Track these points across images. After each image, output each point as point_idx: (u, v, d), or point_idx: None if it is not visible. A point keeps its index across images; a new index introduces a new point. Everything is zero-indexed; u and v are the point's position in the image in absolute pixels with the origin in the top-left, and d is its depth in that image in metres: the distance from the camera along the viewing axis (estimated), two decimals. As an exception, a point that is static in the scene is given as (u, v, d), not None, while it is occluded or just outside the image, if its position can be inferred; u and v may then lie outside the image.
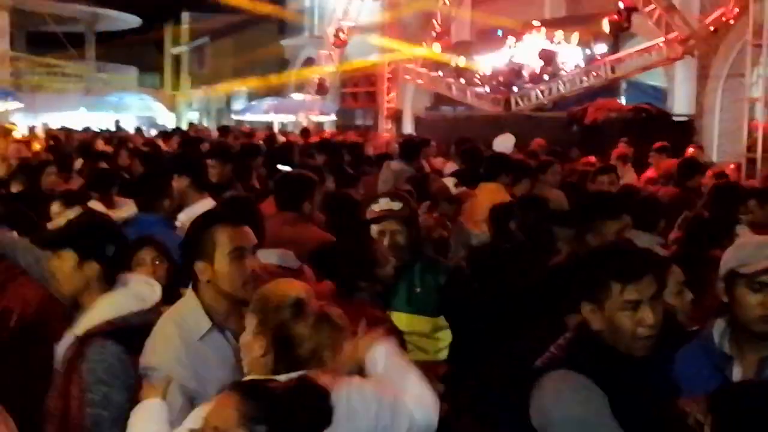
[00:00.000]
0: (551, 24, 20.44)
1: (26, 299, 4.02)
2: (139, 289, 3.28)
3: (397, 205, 4.47)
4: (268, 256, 3.95)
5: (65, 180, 8.80)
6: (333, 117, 29.01)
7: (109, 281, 3.25)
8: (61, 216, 5.26)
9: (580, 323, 2.84)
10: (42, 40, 38.31)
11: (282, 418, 2.10)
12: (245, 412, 2.09)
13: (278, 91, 32.78)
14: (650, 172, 10.45)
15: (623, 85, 20.33)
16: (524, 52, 19.90)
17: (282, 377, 2.36)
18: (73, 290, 3.25)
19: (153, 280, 3.42)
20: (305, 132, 18.32)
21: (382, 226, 4.43)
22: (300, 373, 2.41)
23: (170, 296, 3.72)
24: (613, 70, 17.80)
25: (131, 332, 3.08)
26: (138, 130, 22.12)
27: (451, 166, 10.07)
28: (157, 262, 4.39)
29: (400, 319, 4.28)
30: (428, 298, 4.38)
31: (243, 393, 2.15)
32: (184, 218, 5.50)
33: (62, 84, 37.65)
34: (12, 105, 27.88)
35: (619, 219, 4.35)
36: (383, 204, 4.49)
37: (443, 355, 4.41)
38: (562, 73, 19.03)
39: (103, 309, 3.14)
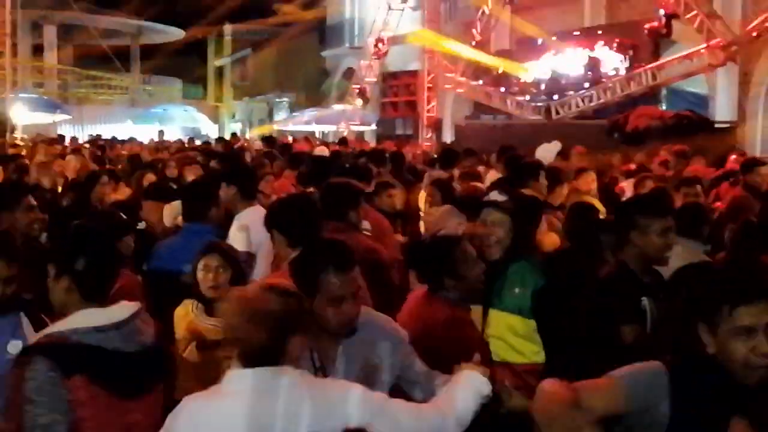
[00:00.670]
0: (591, 31, 20.42)
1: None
2: (110, 309, 3.03)
3: (502, 198, 4.56)
4: None
5: (113, 190, 9.00)
6: (373, 126, 29.17)
7: (86, 296, 3.02)
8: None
9: (686, 344, 2.71)
10: (88, 54, 38.95)
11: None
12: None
13: (319, 102, 33.05)
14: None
15: (664, 92, 20.22)
16: (564, 60, 19.91)
17: None
18: (58, 306, 3.09)
19: (129, 305, 3.12)
20: (343, 141, 18.47)
21: (485, 215, 4.53)
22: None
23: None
24: (654, 78, 17.75)
25: (65, 348, 2.85)
26: (191, 140, 22.38)
27: (492, 175, 10.11)
28: (221, 270, 4.51)
29: (498, 318, 4.39)
30: (527, 299, 4.35)
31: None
32: (235, 229, 5.64)
33: (108, 96, 38.27)
34: (60, 117, 28.37)
35: (663, 218, 4.19)
36: (491, 195, 4.59)
37: (540, 358, 4.37)
38: (603, 80, 19.00)
39: (60, 323, 2.96)
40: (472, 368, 3.14)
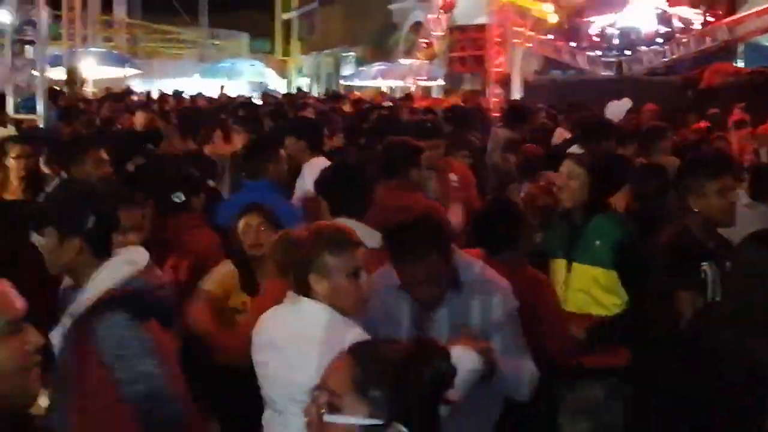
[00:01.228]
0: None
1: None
2: (128, 256, 3.09)
3: (580, 151, 4.68)
4: (364, 233, 3.82)
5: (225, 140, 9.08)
6: (441, 82, 28.89)
7: (98, 253, 3.04)
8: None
9: None
10: (157, 7, 39.22)
11: (395, 381, 1.99)
12: (358, 375, 1.99)
13: (386, 56, 32.83)
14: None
15: (741, 48, 19.60)
16: (638, 14, 19.40)
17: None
18: (61, 269, 3.11)
19: (140, 248, 3.20)
20: (408, 97, 18.32)
21: (564, 167, 4.60)
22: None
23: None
24: (730, 32, 17.17)
25: (133, 297, 2.94)
26: (265, 95, 22.43)
27: (561, 132, 9.91)
28: (263, 228, 4.49)
29: (581, 271, 4.44)
30: (608, 251, 4.39)
31: (355, 355, 2.05)
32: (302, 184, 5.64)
33: (177, 50, 38.57)
34: (129, 71, 28.70)
35: (718, 178, 4.05)
36: (572, 148, 4.62)
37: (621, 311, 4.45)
38: (677, 35, 18.48)
39: (99, 281, 2.97)
40: (462, 348, 3.00)
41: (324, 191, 4.42)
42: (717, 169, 4.13)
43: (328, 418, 1.97)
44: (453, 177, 6.29)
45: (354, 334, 2.91)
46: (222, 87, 26.25)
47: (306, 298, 3.08)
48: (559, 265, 4.53)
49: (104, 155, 5.51)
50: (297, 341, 3.02)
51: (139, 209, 4.45)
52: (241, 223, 4.53)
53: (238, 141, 8.34)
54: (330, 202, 4.30)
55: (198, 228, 5.01)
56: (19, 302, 2.08)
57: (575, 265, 4.46)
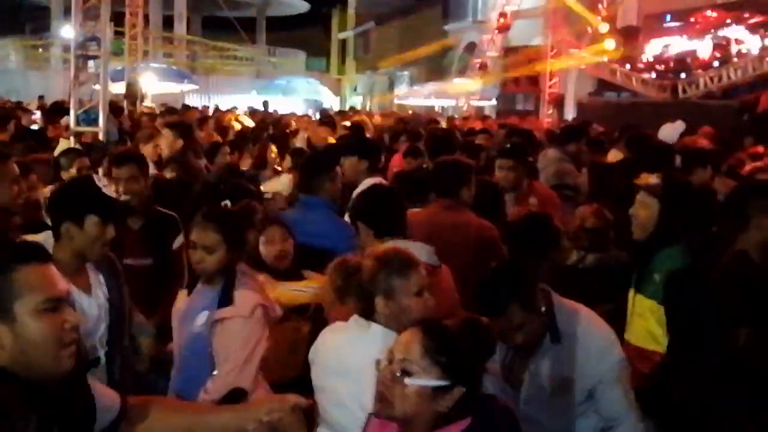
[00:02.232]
0: (723, 8, 19.68)
1: None
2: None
3: (654, 180, 4.46)
4: (419, 251, 3.87)
5: (238, 160, 9.26)
6: (494, 102, 28.93)
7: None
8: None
9: None
10: (216, 25, 39.86)
11: (457, 350, 2.48)
12: (428, 345, 2.44)
13: (440, 76, 32.96)
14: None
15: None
16: (693, 37, 19.29)
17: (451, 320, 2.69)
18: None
19: None
20: (466, 118, 18.42)
21: (639, 196, 4.46)
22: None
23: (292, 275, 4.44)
24: (789, 56, 17.02)
25: None
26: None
27: (615, 154, 9.89)
28: (285, 238, 4.71)
29: (641, 302, 4.33)
30: (662, 284, 4.20)
31: (425, 329, 2.49)
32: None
33: (234, 67, 39.11)
34: (187, 87, 29.16)
35: None
36: (643, 177, 4.56)
37: None
38: (734, 59, 18.32)
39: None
40: None
41: (363, 216, 4.39)
42: None
43: (408, 380, 2.41)
44: (533, 201, 6.23)
45: None
46: (265, 102, 26.30)
47: (375, 324, 3.19)
48: (630, 294, 4.43)
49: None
50: (372, 367, 3.00)
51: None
52: (262, 239, 4.68)
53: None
54: (372, 226, 4.29)
55: None
56: (62, 284, 2.24)
57: (637, 296, 4.35)
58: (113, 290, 3.84)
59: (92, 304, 3.70)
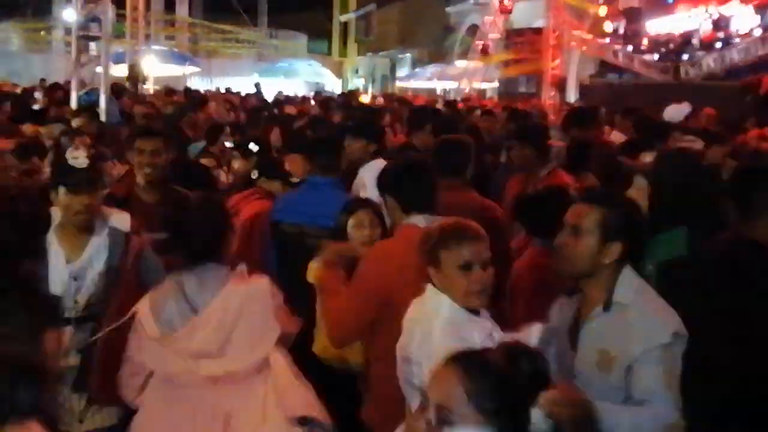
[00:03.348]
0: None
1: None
2: None
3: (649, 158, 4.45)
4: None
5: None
6: (496, 84, 28.89)
7: None
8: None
9: None
10: (218, 8, 39.71)
11: (505, 391, 2.05)
12: (470, 389, 2.03)
13: (442, 58, 32.92)
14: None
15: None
16: (696, 17, 19.23)
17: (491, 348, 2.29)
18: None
19: None
20: (467, 99, 18.39)
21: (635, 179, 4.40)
22: (506, 338, 2.57)
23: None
24: (792, 37, 16.96)
25: None
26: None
27: (616, 136, 9.90)
28: (374, 225, 4.48)
29: None
30: (652, 274, 3.93)
31: (464, 368, 2.07)
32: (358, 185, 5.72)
33: (236, 50, 39.04)
34: (189, 69, 29.16)
35: None
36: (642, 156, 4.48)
37: None
38: (736, 40, 18.26)
39: None
40: None
41: (391, 189, 4.15)
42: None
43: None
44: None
45: (479, 327, 3.11)
46: (257, 84, 26.23)
47: (431, 287, 3.25)
48: None
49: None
50: (421, 326, 3.19)
51: None
52: (352, 221, 4.46)
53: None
54: (399, 200, 4.08)
55: None
56: None
57: None
58: (114, 259, 4.05)
59: (64, 269, 3.97)
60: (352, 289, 3.93)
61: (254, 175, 5.97)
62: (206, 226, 3.59)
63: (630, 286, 3.07)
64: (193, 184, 5.31)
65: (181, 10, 35.42)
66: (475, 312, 3.18)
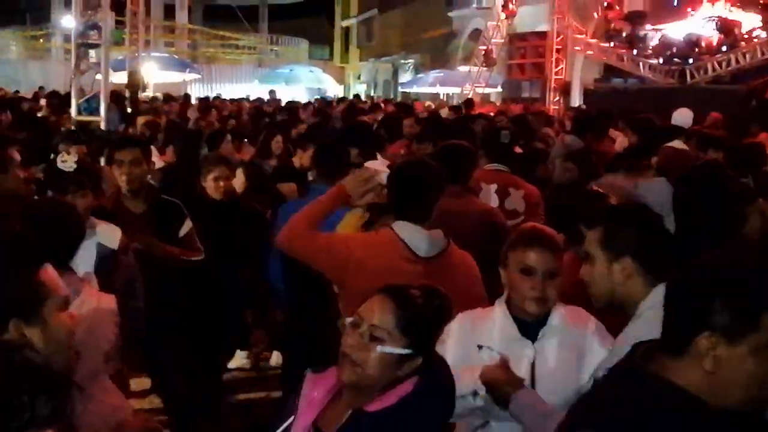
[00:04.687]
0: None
1: None
2: None
3: None
4: (417, 241, 3.87)
5: (237, 149, 9.07)
6: (499, 89, 28.73)
7: None
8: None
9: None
10: (218, 14, 39.70)
11: (425, 322, 2.59)
12: (400, 315, 2.55)
13: (445, 63, 32.77)
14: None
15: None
16: (701, 21, 19.06)
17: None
18: None
19: None
20: (468, 103, 18.14)
21: None
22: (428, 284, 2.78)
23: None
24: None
25: None
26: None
27: (621, 140, 9.76)
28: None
29: None
30: None
31: (396, 299, 2.58)
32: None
33: (236, 56, 38.95)
34: (189, 76, 29.06)
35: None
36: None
37: None
38: (742, 44, 18.09)
39: None
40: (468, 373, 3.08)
41: (389, 189, 4.07)
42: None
43: (380, 348, 2.50)
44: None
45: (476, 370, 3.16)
46: (272, 92, 26.15)
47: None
48: None
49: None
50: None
51: None
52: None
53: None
54: (393, 206, 4.03)
55: None
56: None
57: None
58: (101, 268, 4.01)
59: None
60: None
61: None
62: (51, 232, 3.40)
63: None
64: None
65: (181, 16, 35.35)
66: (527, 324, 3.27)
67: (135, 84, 20.46)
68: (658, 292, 2.51)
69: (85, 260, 3.94)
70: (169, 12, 36.23)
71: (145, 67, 22.96)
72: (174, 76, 27.62)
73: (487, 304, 3.53)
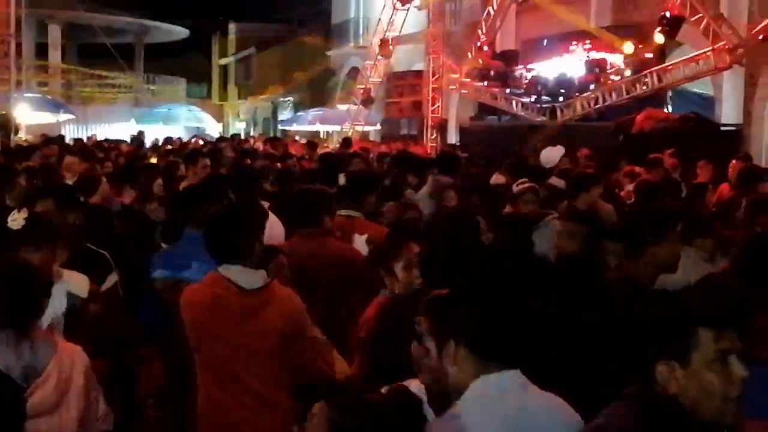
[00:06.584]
0: (597, 34, 20.31)
1: None
2: None
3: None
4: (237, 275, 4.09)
5: (117, 194, 8.90)
6: (378, 127, 29.12)
7: None
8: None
9: (643, 388, 2.28)
10: (93, 53, 38.95)
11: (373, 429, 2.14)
12: (336, 423, 2.15)
13: (324, 101, 33.03)
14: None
15: (669, 94, 20.11)
16: (570, 61, 19.83)
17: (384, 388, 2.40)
18: None
19: None
20: (347, 141, 18.34)
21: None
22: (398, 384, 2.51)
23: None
24: (660, 80, 17.57)
25: None
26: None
27: (497, 177, 10.06)
28: None
29: None
30: None
31: (334, 404, 2.21)
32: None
33: (112, 96, 38.25)
34: (64, 116, 28.33)
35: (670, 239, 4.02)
36: None
37: None
38: (609, 82, 18.88)
39: None
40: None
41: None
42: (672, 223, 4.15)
43: None
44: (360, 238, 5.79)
45: None
46: (140, 133, 25.48)
47: None
48: None
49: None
50: None
51: None
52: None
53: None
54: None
55: None
56: None
57: None
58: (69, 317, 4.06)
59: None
60: None
61: None
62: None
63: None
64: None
65: (54, 55, 34.52)
66: None
67: (6, 126, 19.94)
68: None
69: (56, 307, 3.95)
70: (42, 51, 35.36)
71: (16, 108, 22.37)
72: (48, 117, 26.91)
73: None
